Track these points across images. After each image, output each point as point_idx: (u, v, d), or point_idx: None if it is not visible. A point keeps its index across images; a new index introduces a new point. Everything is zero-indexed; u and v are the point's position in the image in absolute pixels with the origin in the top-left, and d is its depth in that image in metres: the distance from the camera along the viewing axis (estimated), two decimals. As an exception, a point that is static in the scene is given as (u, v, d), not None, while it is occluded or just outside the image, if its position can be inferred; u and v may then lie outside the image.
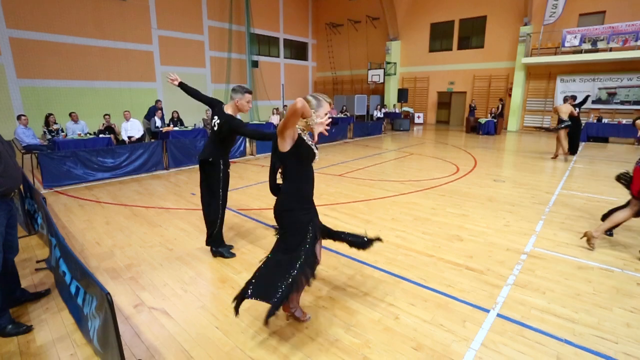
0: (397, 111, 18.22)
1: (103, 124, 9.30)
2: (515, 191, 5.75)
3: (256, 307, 2.63)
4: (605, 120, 13.12)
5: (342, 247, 3.65)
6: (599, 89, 14.21)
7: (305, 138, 2.15)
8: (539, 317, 2.53)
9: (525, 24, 15.13)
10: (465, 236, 3.94)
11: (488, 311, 2.60)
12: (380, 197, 5.47)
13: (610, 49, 13.14)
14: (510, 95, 15.88)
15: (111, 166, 6.86)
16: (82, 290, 2.20)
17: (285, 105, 16.22)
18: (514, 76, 15.51)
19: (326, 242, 3.78)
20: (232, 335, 2.36)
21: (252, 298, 2.14)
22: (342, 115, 16.41)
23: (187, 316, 2.57)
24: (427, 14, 18.35)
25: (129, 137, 8.83)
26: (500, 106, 14.89)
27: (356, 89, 21.36)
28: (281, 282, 2.07)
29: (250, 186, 6.27)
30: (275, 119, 14.36)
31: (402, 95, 18.47)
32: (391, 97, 19.45)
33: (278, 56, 20.88)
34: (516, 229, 4.14)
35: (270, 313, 2.00)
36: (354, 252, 3.54)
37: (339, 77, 22.40)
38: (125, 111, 9.22)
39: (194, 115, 13.66)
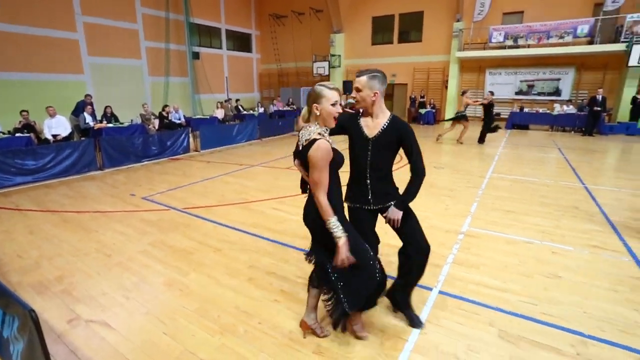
0: (343, 103, 18.56)
1: (20, 122, 8.25)
2: (453, 177, 6.21)
3: (206, 308, 2.56)
4: (526, 110, 14.58)
5: (293, 239, 3.70)
6: (520, 81, 15.72)
7: (331, 142, 1.88)
8: (474, 290, 2.78)
9: (458, 20, 16.16)
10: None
11: (431, 289, 2.79)
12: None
13: (528, 46, 14.56)
14: (446, 87, 16.95)
15: (33, 169, 6.15)
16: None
17: (229, 99, 15.69)
18: (450, 69, 16.56)
19: (278, 235, 3.79)
20: (181, 339, 2.27)
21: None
22: (289, 108, 16.34)
23: (130, 325, 2.42)
24: (368, 8, 18.80)
25: (54, 136, 7.95)
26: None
27: (302, 81, 21.32)
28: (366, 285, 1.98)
29: (196, 183, 6.03)
30: (219, 113, 13.87)
31: (347, 87, 18.81)
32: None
33: (220, 47, 20.08)
34: (454, 212, 4.48)
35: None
36: (304, 244, 3.59)
37: (284, 69, 22.18)
38: (49, 107, 8.22)
39: (130, 110, 12.69)
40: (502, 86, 16.15)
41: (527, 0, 15.02)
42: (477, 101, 10.58)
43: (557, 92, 15.03)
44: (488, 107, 10.00)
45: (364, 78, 2.04)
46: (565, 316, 2.46)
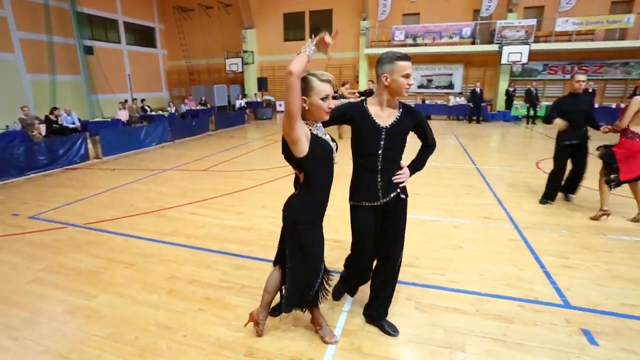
0: (258, 100, 18.29)
1: None
2: (368, 167, 6.61)
3: (121, 331, 2.32)
4: (427, 102, 16.20)
5: (215, 243, 3.56)
6: (421, 76, 17.39)
7: (317, 132, 1.74)
8: (392, 269, 3.02)
9: (364, 19, 17.13)
10: (332, 212, 4.30)
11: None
12: (249, 187, 5.48)
13: (425, 44, 16.17)
14: (357, 82, 17.89)
15: None
16: None
17: (135, 99, 14.28)
18: (359, 65, 17.51)
19: (198, 240, 3.60)
20: (91, 369, 2.03)
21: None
22: (203, 107, 15.54)
23: (23, 367, 2.07)
24: (279, 4, 18.75)
25: None
26: None
27: (214, 78, 20.41)
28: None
29: (99, 194, 5.37)
30: (123, 115, 12.55)
31: (262, 84, 18.63)
32: (251, 86, 19.37)
33: (119, 42, 18.04)
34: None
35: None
36: (226, 246, 3.49)
37: (195, 66, 20.96)
38: None
39: (6, 114, 10.71)
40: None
41: (421, 3, 16.61)
42: (353, 92, 10.35)
43: (450, 85, 17.00)
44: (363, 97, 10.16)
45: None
46: (466, 281, 2.83)
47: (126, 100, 13.78)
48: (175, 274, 3.03)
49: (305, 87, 1.66)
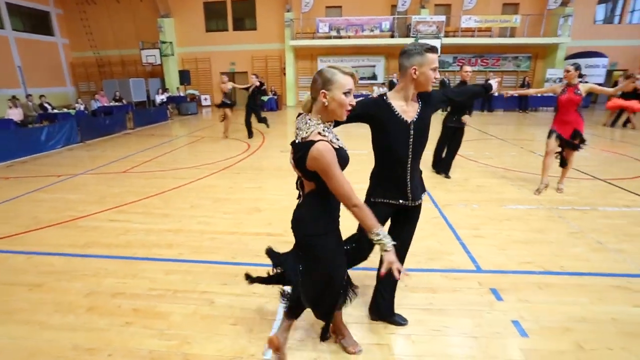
0: (181, 94, 17.18)
1: None
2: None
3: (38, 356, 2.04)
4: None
5: (139, 250, 3.29)
6: (346, 67, 17.97)
7: (333, 140, 1.54)
8: (327, 256, 3.11)
9: (288, 11, 17.01)
10: (263, 206, 4.31)
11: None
12: (175, 186, 5.16)
13: (349, 37, 16.68)
14: (285, 74, 17.81)
15: None
16: None
17: (30, 95, 12.34)
18: (286, 57, 17.42)
19: (120, 249, 3.30)
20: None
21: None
22: (117, 104, 14.12)
23: None
24: (197, -9, 17.70)
25: None
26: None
27: (130, 71, 18.63)
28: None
29: (-11, 209, 4.59)
30: (15, 114, 10.83)
31: (184, 77, 17.53)
32: (173, 79, 18.11)
33: (2, 27, 15.37)
34: (303, 191, 4.85)
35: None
36: (154, 252, 3.26)
37: (105, 57, 18.85)
38: None
39: None
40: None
41: (343, -4, 17.03)
42: (225, 85, 9.05)
43: (374, 76, 17.85)
44: (254, 92, 8.77)
45: None
46: (394, 259, 3.04)
47: (14, 97, 11.77)
48: (96, 288, 2.74)
49: (326, 80, 1.48)
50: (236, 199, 4.57)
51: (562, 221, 3.84)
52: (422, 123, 1.90)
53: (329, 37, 16.76)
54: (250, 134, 9.06)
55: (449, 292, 2.59)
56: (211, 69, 18.74)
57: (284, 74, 17.83)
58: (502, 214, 4.04)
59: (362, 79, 17.88)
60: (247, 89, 8.76)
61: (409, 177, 1.95)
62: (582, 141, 4.39)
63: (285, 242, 3.29)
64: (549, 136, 4.52)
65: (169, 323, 2.33)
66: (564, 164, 4.62)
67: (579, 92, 4.21)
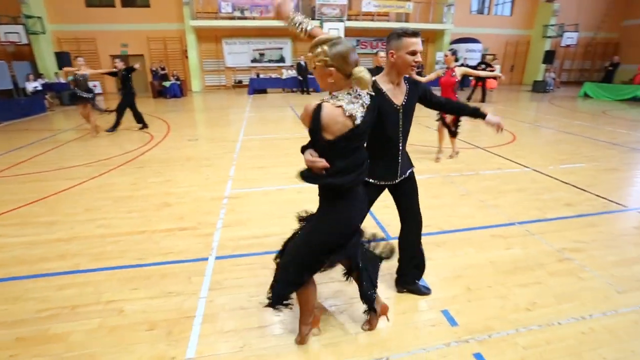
0: (62, 81, 14.67)
1: None
2: (209, 146, 6.36)
3: None
4: (262, 76, 16.45)
5: (19, 268, 2.80)
6: (253, 50, 17.41)
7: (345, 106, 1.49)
8: (246, 244, 3.07)
9: (184, -13, 15.61)
10: (173, 200, 4.02)
11: (207, 259, 2.87)
12: (63, 189, 4.47)
13: (254, 18, 16.11)
14: (187, 57, 16.51)
15: None
16: None
17: None
18: (187, 38, 16.09)
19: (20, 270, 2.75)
20: None
21: None
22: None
23: None
24: (66, -43, 15.02)
25: None
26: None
27: (-17, 53, 15.16)
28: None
29: None
30: None
31: (63, 60, 14.93)
32: (48, 63, 15.29)
33: None
34: (215, 180, 4.66)
35: None
36: (41, 267, 2.81)
37: (-58, 35, 14.94)
38: None
39: None
40: (240, 55, 17.37)
41: (241, -27, 16.22)
42: (71, 70, 7.41)
43: (282, 59, 17.69)
44: (124, 78, 7.59)
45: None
46: (311, 238, 3.15)
47: None
48: (-40, 322, 2.26)
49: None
50: (141, 195, 4.17)
51: (454, 186, 4.43)
52: (410, 106, 2.01)
53: (233, 18, 15.97)
54: (141, 122, 7.90)
55: (362, 262, 2.79)
56: (98, 51, 16.33)
57: (187, 57, 16.52)
58: (405, 185, 4.48)
59: (269, 61, 17.60)
60: (112, 74, 7.56)
61: (400, 157, 2.08)
62: (457, 126, 5.32)
63: (200, 235, 3.17)
64: (437, 119, 5.42)
65: (68, 345, 2.05)
66: (453, 134, 5.36)
67: (454, 74, 4.82)
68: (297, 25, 1.80)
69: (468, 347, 1.99)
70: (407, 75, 2.01)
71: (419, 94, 2.07)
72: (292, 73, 16.02)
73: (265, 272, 2.67)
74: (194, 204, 3.91)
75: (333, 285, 2.51)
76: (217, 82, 17.74)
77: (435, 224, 3.41)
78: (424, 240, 2.90)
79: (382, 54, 5.02)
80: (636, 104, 12.84)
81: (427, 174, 4.85)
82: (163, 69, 15.18)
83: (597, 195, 4.19)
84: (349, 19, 16.67)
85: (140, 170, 5.09)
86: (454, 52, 4.84)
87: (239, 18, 16.00)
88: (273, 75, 16.36)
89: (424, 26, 17.49)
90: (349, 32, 16.53)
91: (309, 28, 1.81)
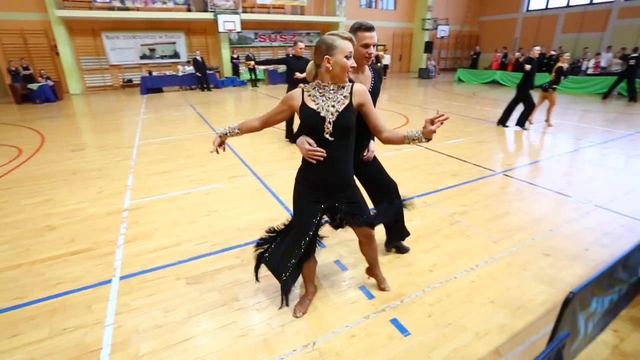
0: None
1: None
2: (99, 155, 5.60)
3: None
4: (155, 73, 15.05)
5: None
6: (142, 45, 15.75)
7: (313, 98, 1.77)
8: (154, 257, 2.82)
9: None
10: (58, 222, 3.46)
11: (110, 281, 2.55)
12: None
13: (137, 9, 14.52)
14: (58, 54, 14.13)
15: None
16: None
17: None
18: (54, 31, 13.71)
19: None
20: None
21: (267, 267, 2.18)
22: None
23: None
24: None
25: None
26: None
27: None
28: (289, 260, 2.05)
29: None
30: None
31: None
32: None
33: None
34: (111, 192, 4.14)
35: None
36: None
37: None
38: None
39: None
40: (125, 51, 15.57)
41: (115, -42, 14.42)
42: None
43: (176, 54, 16.42)
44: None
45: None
46: (227, 239, 3.05)
47: None
48: None
49: (328, 46, 1.66)
50: (12, 222, 3.47)
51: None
52: (375, 92, 2.18)
53: (112, 8, 14.16)
54: None
55: (281, 254, 2.81)
56: None
57: (57, 53, 14.10)
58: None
59: (162, 57, 16.19)
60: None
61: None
62: None
63: (98, 257, 2.86)
64: None
65: None
66: None
67: None
68: (229, 135, 1.96)
69: (385, 315, 2.17)
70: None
71: (380, 78, 2.32)
72: (190, 69, 15.01)
73: (181, 282, 2.50)
74: (85, 222, 3.42)
75: (253, 284, 2.48)
76: (101, 83, 15.63)
77: (347, 208, 3.60)
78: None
79: (302, 44, 5.50)
80: (495, 85, 15.41)
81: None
82: (26, 68, 12.70)
83: (474, 164, 4.93)
84: (244, 12, 16.25)
85: (8, 193, 4.22)
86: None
87: (120, 9, 14.26)
88: (168, 73, 15.08)
89: (319, 19, 18.04)
90: (245, 24, 16.14)
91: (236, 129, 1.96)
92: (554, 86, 7.09)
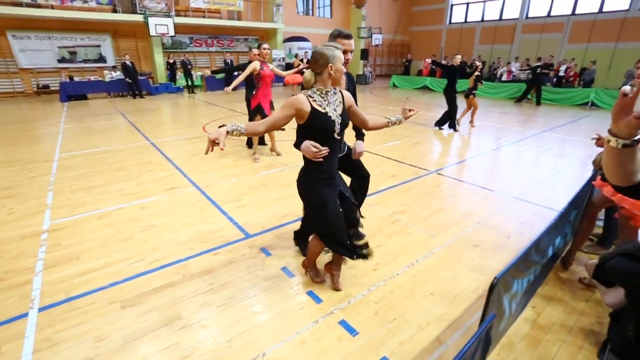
0: None
1: None
2: (8, 172, 4.91)
3: None
4: (77, 79, 13.70)
5: None
6: (59, 47, 14.24)
7: (320, 104, 1.98)
8: (82, 281, 2.54)
9: None
10: (-42, 251, 2.97)
11: (27, 314, 2.25)
12: None
13: (52, 7, 13.10)
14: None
15: None
16: None
17: None
18: (-57, 30, 11.81)
19: None
20: None
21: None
22: None
23: None
24: None
25: None
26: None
27: None
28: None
29: None
30: None
31: None
32: None
33: None
34: (24, 212, 3.65)
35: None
36: None
37: None
38: None
39: None
40: (39, 53, 13.95)
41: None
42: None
43: (102, 58, 15.11)
44: None
45: None
46: (167, 255, 2.86)
47: None
48: None
49: (331, 57, 1.92)
50: None
51: (303, 176, 4.76)
52: (352, 93, 2.44)
53: (19, 4, 12.60)
54: None
55: (225, 267, 2.71)
56: None
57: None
58: (259, 180, 4.55)
59: (86, 61, 14.80)
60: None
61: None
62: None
63: (10, 288, 2.56)
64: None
65: None
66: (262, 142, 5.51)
67: (270, 70, 5.04)
68: (234, 133, 1.82)
69: (333, 317, 2.20)
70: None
71: (352, 90, 2.54)
72: (119, 75, 13.91)
73: (115, 306, 2.29)
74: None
75: (197, 299, 2.36)
76: (9, 88, 13.79)
77: (292, 213, 3.60)
78: (283, 231, 3.04)
79: (256, 50, 5.00)
80: (426, 90, 16.61)
81: (277, 168, 5.05)
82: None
83: (410, 165, 5.24)
84: (178, 15, 15.52)
85: None
86: (264, 46, 4.92)
87: (29, 5, 12.74)
88: (93, 78, 13.81)
89: (257, 24, 17.89)
90: (180, 28, 15.42)
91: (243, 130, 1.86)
92: (474, 92, 7.85)
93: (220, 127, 1.73)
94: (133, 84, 13.40)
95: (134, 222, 3.40)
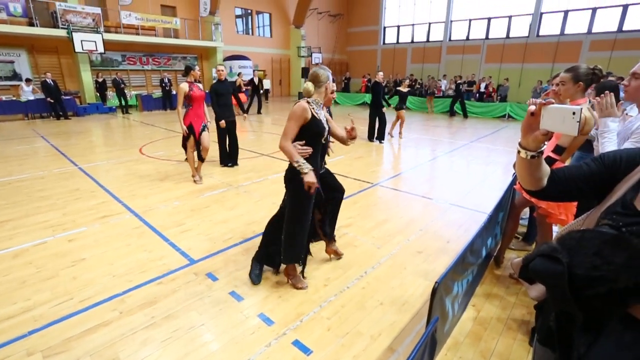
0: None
1: None
2: None
3: None
4: (-14, 99, 12.10)
5: None
6: (-39, 64, 12.55)
7: (316, 113, 2.34)
8: (-8, 332, 2.20)
9: None
10: None
11: None
12: None
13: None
14: None
15: None
16: None
17: None
18: None
19: None
20: None
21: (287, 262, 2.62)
22: None
23: None
24: None
25: None
26: None
27: None
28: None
29: None
30: None
31: None
32: None
33: None
34: None
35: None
36: None
37: None
38: None
39: None
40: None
41: None
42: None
43: (16, 76, 13.62)
44: None
45: None
46: (100, 290, 2.59)
47: None
48: None
49: (328, 77, 2.39)
50: None
51: (248, 195, 4.66)
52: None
53: None
54: None
55: (169, 296, 2.53)
56: None
57: None
58: (202, 203, 4.36)
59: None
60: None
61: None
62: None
63: None
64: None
65: None
66: (200, 158, 5.08)
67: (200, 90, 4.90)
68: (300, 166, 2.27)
69: (286, 338, 2.15)
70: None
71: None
72: (38, 95, 12.57)
73: (36, 357, 2.00)
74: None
75: (137, 336, 2.16)
76: None
77: (237, 235, 3.49)
78: (229, 253, 2.94)
79: (222, 67, 5.27)
80: (366, 107, 17.40)
81: (220, 189, 4.90)
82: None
83: (354, 179, 5.41)
84: (107, 31, 14.60)
85: None
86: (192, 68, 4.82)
87: None
88: (5, 98, 12.32)
89: (195, 43, 17.50)
90: (110, 45, 14.50)
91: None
92: (403, 105, 8.68)
93: (306, 173, 2.24)
94: (56, 104, 12.20)
95: (59, 258, 3.04)
